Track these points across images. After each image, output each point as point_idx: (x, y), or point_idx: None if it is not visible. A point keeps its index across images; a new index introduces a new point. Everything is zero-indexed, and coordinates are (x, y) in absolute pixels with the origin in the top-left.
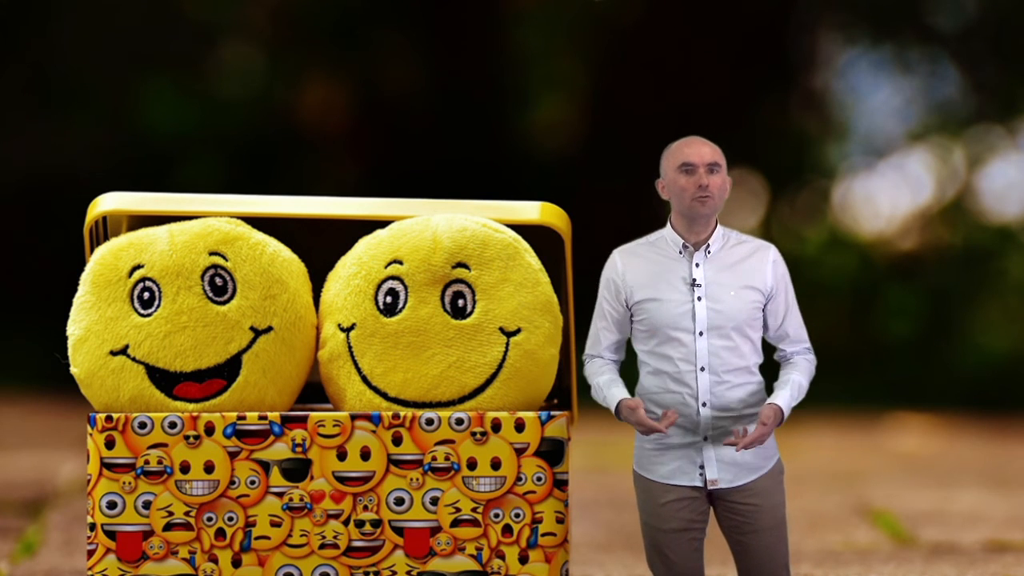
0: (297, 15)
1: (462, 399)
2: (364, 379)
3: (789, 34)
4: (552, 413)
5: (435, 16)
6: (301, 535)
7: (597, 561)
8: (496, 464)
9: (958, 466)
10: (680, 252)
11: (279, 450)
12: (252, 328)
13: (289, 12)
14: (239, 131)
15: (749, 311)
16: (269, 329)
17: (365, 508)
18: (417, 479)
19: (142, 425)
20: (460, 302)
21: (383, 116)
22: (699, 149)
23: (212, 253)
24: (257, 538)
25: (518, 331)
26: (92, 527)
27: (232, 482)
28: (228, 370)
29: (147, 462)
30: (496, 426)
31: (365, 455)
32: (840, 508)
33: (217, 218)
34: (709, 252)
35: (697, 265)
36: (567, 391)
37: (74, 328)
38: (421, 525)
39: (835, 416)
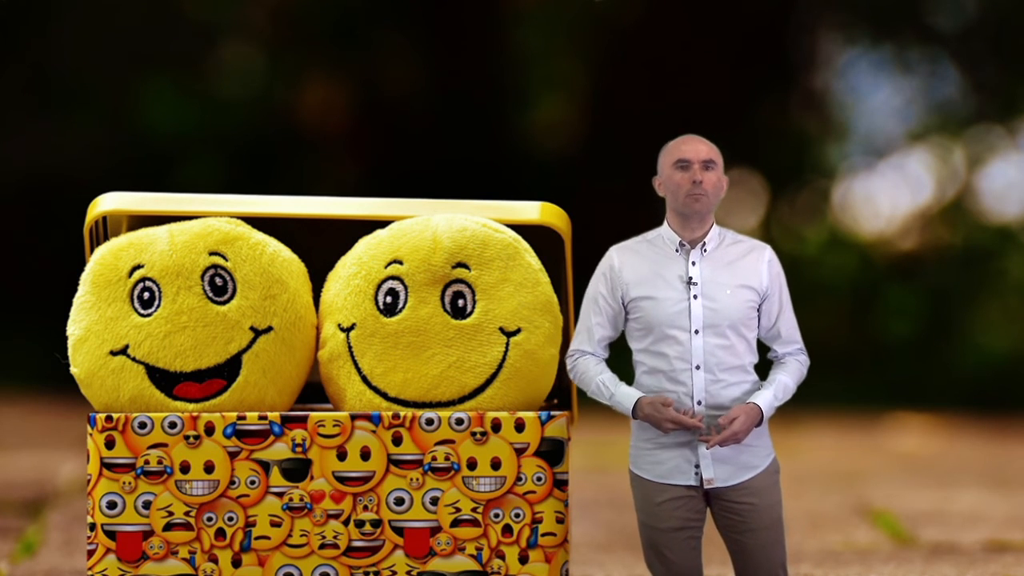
0: (297, 15)
1: (462, 399)
2: (364, 379)
3: (789, 34)
4: (552, 413)
5: (435, 16)
6: (301, 535)
7: (597, 561)
8: (496, 464)
9: (958, 466)
10: (677, 250)
11: (279, 450)
12: (252, 328)
13: (289, 12)
14: (239, 131)
15: (744, 310)
16: (269, 329)
17: (365, 508)
18: (417, 479)
19: (142, 425)
20: (460, 302)
21: (383, 116)
22: (695, 146)
23: (212, 253)
24: (257, 538)
25: (518, 331)
26: (92, 527)
27: (232, 482)
28: (228, 370)
29: (147, 462)
30: (496, 426)
31: (365, 455)
32: (840, 508)
33: (217, 218)
34: (705, 250)
35: (693, 263)
36: (567, 391)
37: (74, 328)
38: (421, 525)
39: (835, 416)
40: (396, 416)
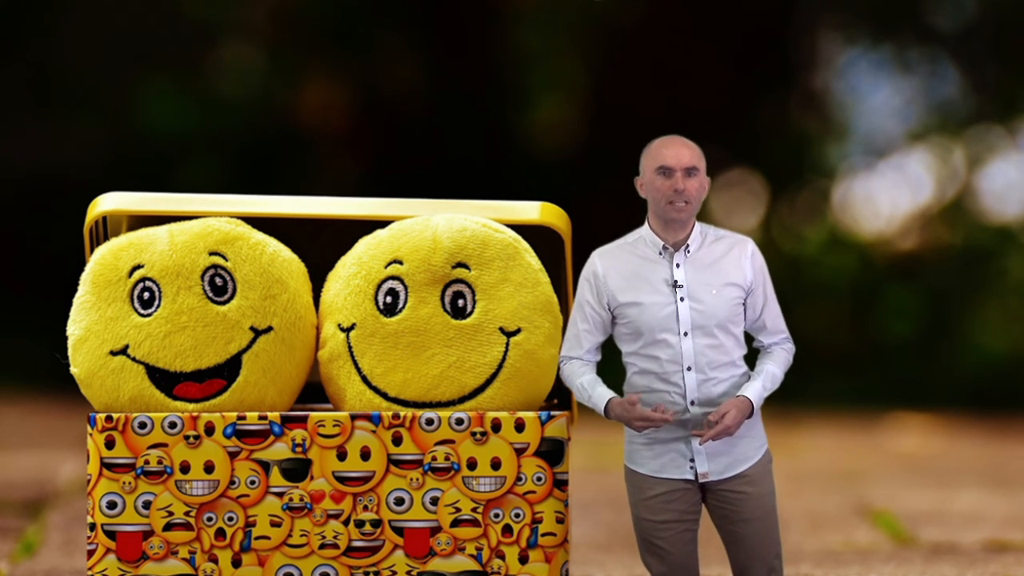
0: (297, 15)
1: (462, 399)
2: (364, 379)
3: (789, 34)
4: (552, 413)
5: (435, 16)
6: (301, 535)
7: (597, 561)
8: (496, 464)
9: (958, 466)
10: (660, 253)
11: (279, 450)
12: (252, 328)
13: (289, 12)
14: (239, 131)
15: (730, 308)
16: (269, 329)
17: (365, 508)
18: (417, 479)
19: (142, 425)
20: (460, 302)
21: (383, 116)
22: (677, 152)
23: (212, 253)
24: (257, 538)
25: (518, 331)
26: (92, 527)
27: (232, 482)
28: (228, 370)
29: (147, 462)
30: (496, 426)
31: (365, 455)
32: (840, 508)
33: (217, 218)
34: (688, 252)
35: (678, 266)
36: (567, 391)
37: (74, 328)
38: (421, 525)
39: (835, 416)
40: (396, 416)
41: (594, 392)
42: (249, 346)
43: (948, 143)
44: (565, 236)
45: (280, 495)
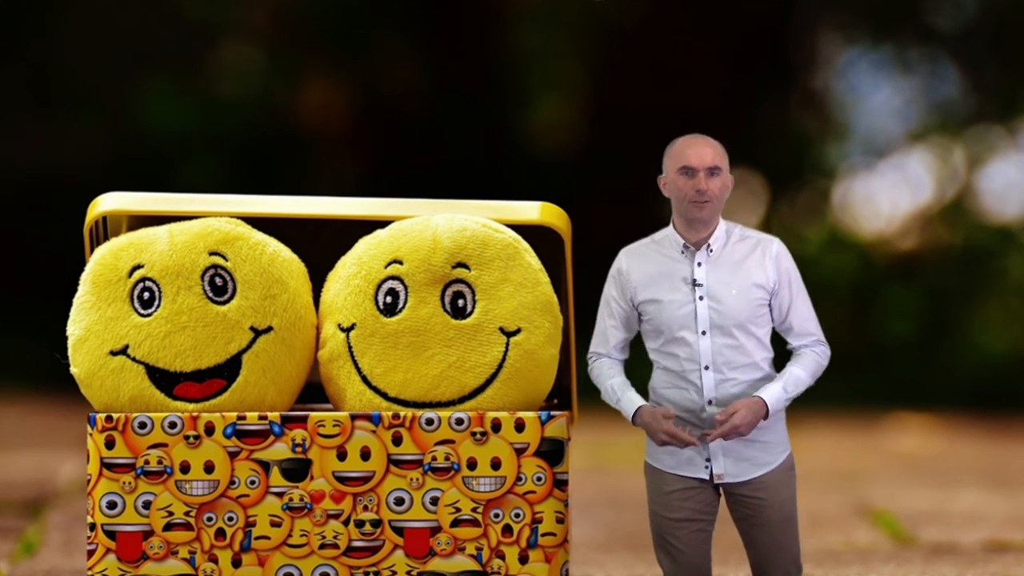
0: (297, 15)
1: (462, 399)
2: (364, 379)
3: (789, 34)
4: (552, 413)
5: (435, 16)
6: (301, 535)
7: (597, 561)
8: (496, 464)
9: (958, 466)
10: (682, 252)
11: (279, 450)
12: (252, 328)
13: (289, 12)
14: (239, 131)
15: (752, 308)
16: (269, 329)
17: (365, 508)
18: (417, 479)
19: (142, 425)
20: (460, 302)
21: (383, 116)
22: (700, 151)
23: (212, 253)
24: (257, 538)
25: (518, 331)
26: (92, 527)
27: (232, 482)
28: (228, 370)
29: (147, 462)
30: (496, 426)
31: (365, 455)
32: (840, 508)
33: (217, 218)
34: (711, 251)
35: (699, 264)
36: (567, 391)
37: (74, 328)
38: (421, 525)
39: (835, 416)
40: (396, 416)
41: (623, 396)
42: (249, 346)
43: (948, 143)
44: (565, 236)
45: (280, 495)
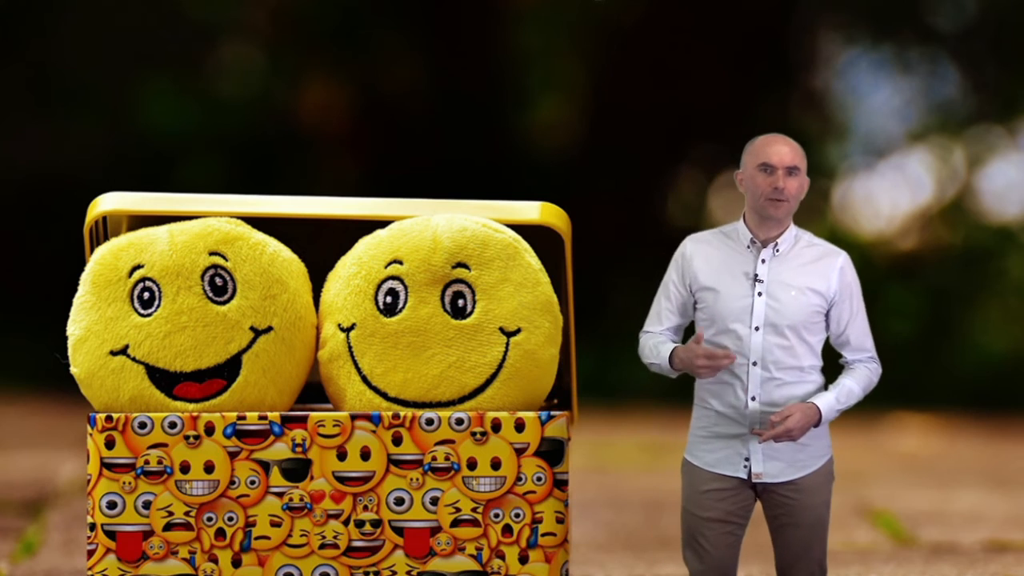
0: (297, 15)
1: (462, 399)
2: (364, 379)
3: (789, 34)
4: (552, 413)
5: (435, 16)
6: (301, 535)
7: (597, 561)
8: (496, 464)
9: (958, 466)
10: (748, 246)
11: (279, 450)
12: (252, 328)
13: (289, 12)
14: (239, 131)
15: (808, 313)
16: (269, 329)
17: (365, 508)
18: (417, 479)
19: (142, 425)
20: (460, 302)
21: (383, 116)
22: (780, 149)
23: (212, 253)
24: (257, 538)
25: (518, 331)
26: (92, 527)
27: (232, 482)
28: (228, 370)
29: (147, 462)
30: (496, 426)
31: (365, 455)
32: (840, 508)
33: (217, 218)
34: (777, 250)
35: (763, 261)
36: (567, 391)
37: (74, 328)
38: (421, 525)
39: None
40: (396, 416)
41: (662, 348)
42: (249, 346)
43: (948, 143)
44: (565, 236)
45: (280, 495)
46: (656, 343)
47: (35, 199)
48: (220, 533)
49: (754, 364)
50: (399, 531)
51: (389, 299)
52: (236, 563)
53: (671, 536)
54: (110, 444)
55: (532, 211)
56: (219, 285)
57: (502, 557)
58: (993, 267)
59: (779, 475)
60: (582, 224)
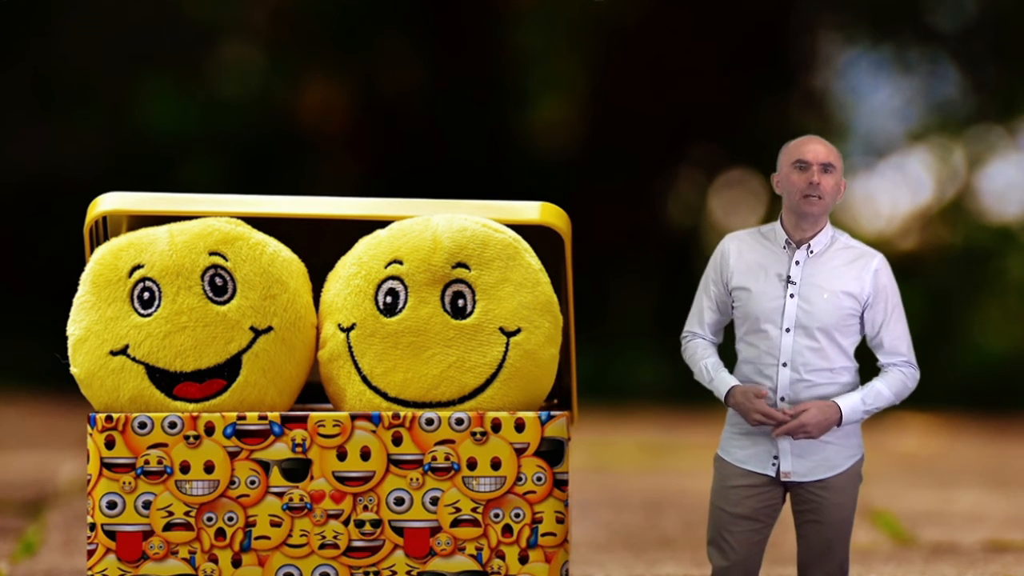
0: (297, 15)
1: (462, 399)
2: (364, 379)
3: (789, 34)
4: (552, 413)
5: (435, 16)
6: (301, 535)
7: (597, 561)
8: (496, 464)
9: (958, 466)
10: (784, 247)
11: (279, 450)
12: (252, 328)
13: (289, 12)
14: (239, 131)
15: (840, 316)
16: (269, 329)
17: (365, 508)
18: (417, 479)
19: (142, 425)
20: (460, 302)
21: (383, 116)
22: (815, 147)
23: (212, 253)
24: (257, 538)
25: (518, 331)
26: (92, 527)
27: (232, 482)
28: (228, 370)
29: (147, 462)
30: (496, 426)
31: (365, 455)
32: None
33: (217, 218)
34: (812, 252)
35: (797, 263)
36: (567, 391)
37: (74, 328)
38: (421, 525)
39: None
40: (396, 416)
41: (717, 376)
42: (249, 346)
43: (948, 143)
44: (565, 236)
45: (280, 495)
46: (709, 365)
47: (35, 199)
48: (220, 533)
49: (783, 365)
50: (399, 531)
51: (389, 299)
52: (236, 563)
53: (671, 536)
54: (110, 444)
55: (532, 211)
56: (219, 285)
57: (502, 557)
58: (993, 267)
59: (808, 474)
60: (582, 224)
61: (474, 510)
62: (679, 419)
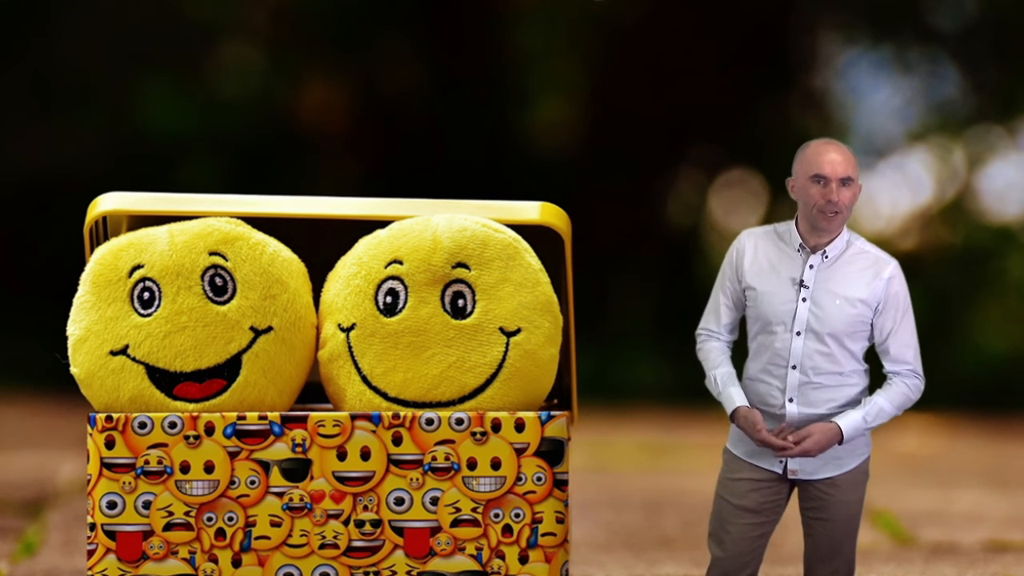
0: (297, 15)
1: (462, 399)
2: (364, 379)
3: (789, 34)
4: (552, 413)
5: (435, 16)
6: (301, 535)
7: (597, 561)
8: (496, 464)
9: (958, 466)
10: (798, 250)
11: (279, 450)
12: (252, 328)
13: (289, 12)
14: (239, 131)
15: (851, 322)
16: (269, 329)
17: (365, 508)
18: (417, 479)
19: (142, 425)
20: (460, 302)
21: (383, 116)
22: (833, 159)
23: (212, 253)
24: (257, 538)
25: (518, 331)
26: (92, 527)
27: (232, 482)
28: (228, 370)
29: (147, 462)
30: (496, 426)
31: (365, 455)
32: None
33: (217, 218)
34: (826, 257)
35: (811, 267)
36: (567, 391)
37: (74, 328)
38: (421, 525)
39: None
40: (396, 416)
41: (725, 391)
42: (249, 346)
43: (948, 143)
44: (565, 236)
45: (280, 495)
46: (720, 376)
47: (35, 199)
48: (220, 533)
49: (793, 368)
50: (399, 531)
51: (389, 299)
52: (236, 563)
53: (671, 536)
54: (110, 444)
55: (532, 211)
56: (219, 285)
57: (502, 557)
58: (993, 267)
59: (815, 472)
60: (582, 224)
61: (474, 510)
62: (679, 419)
